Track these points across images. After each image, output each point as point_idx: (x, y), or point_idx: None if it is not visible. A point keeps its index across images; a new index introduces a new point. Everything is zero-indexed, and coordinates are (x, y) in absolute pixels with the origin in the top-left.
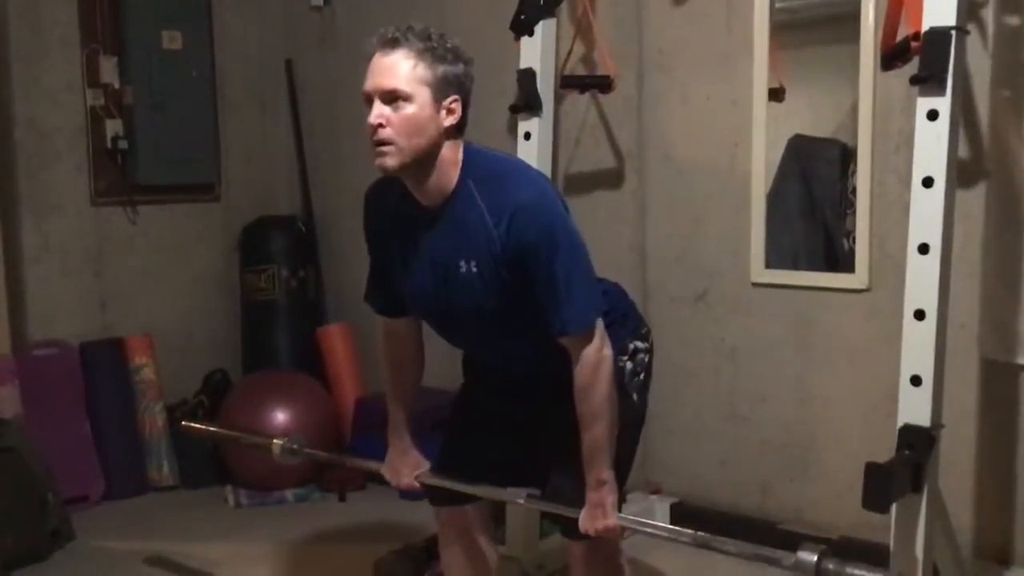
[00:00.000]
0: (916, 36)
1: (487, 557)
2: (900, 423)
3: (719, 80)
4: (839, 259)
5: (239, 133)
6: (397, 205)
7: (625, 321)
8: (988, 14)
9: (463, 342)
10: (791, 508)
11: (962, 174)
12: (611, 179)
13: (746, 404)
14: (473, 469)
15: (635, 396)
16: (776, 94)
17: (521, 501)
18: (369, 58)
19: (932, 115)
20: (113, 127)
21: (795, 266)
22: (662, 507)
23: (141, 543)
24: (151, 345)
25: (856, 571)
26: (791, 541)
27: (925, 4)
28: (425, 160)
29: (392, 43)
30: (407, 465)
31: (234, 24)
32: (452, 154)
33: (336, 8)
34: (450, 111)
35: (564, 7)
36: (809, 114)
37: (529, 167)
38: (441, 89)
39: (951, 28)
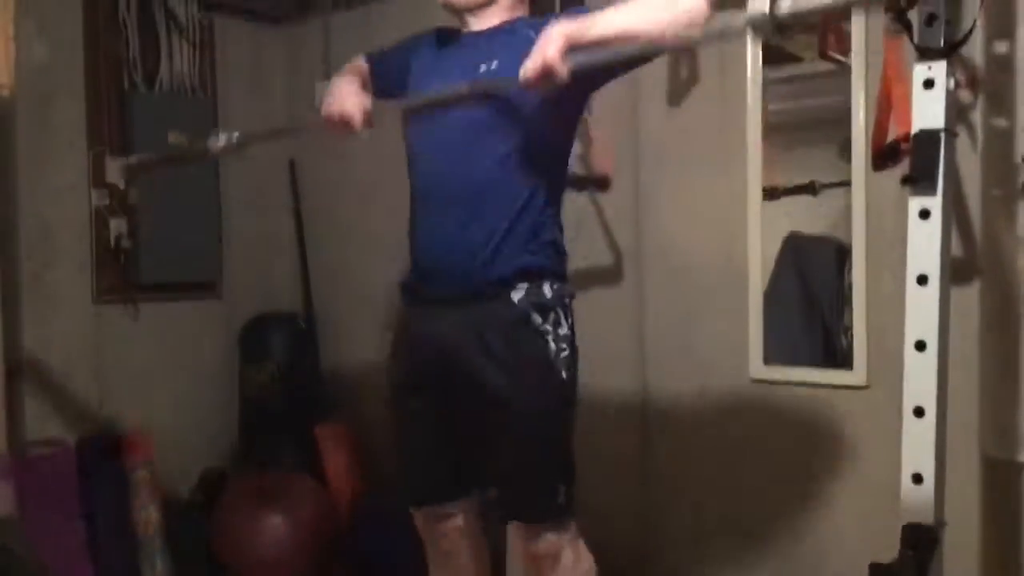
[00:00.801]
0: (906, 138)
1: (480, 563)
2: (902, 522)
3: (714, 178)
4: (838, 355)
5: (242, 231)
6: (444, 36)
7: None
8: (976, 116)
9: (436, 169)
10: None
11: (957, 271)
12: (610, 276)
13: (747, 500)
14: (433, 482)
15: (564, 373)
16: (771, 193)
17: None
18: None
19: (924, 214)
20: (117, 226)
21: (794, 362)
22: None
23: None
24: (148, 444)
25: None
26: None
27: (914, 107)
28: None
29: None
30: (352, 92)
31: (238, 124)
32: (515, 3)
33: None
34: None
35: None
36: (804, 213)
37: None
38: None
39: (939, 130)
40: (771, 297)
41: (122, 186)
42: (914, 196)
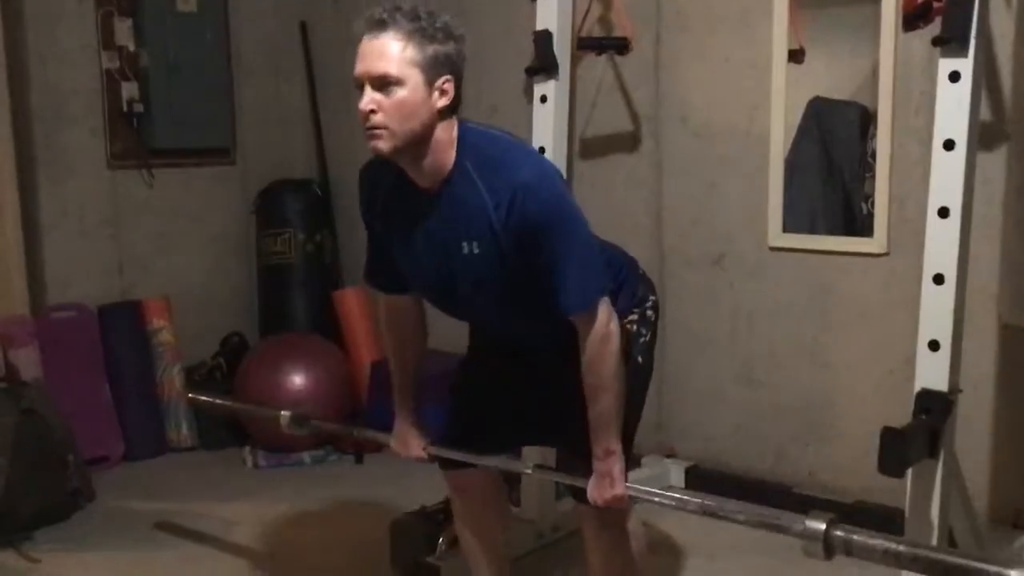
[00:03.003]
0: None
1: (500, 519)
2: (917, 388)
3: (738, 42)
4: (857, 223)
5: (254, 97)
6: (394, 185)
7: (628, 289)
8: None
9: (466, 317)
10: (805, 472)
11: (983, 137)
12: (628, 142)
13: (762, 368)
14: (483, 433)
15: (640, 358)
16: (796, 56)
17: (529, 471)
18: (358, 41)
19: (954, 77)
20: (128, 90)
21: (813, 230)
22: (677, 470)
23: (160, 503)
24: (168, 308)
25: (864, 539)
26: (805, 505)
27: None
28: (419, 143)
29: (380, 25)
30: (414, 436)
31: None
32: (447, 135)
33: None
34: (443, 92)
35: None
36: (829, 76)
37: (525, 145)
38: (432, 70)
39: None
40: (792, 164)
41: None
42: (944, 57)
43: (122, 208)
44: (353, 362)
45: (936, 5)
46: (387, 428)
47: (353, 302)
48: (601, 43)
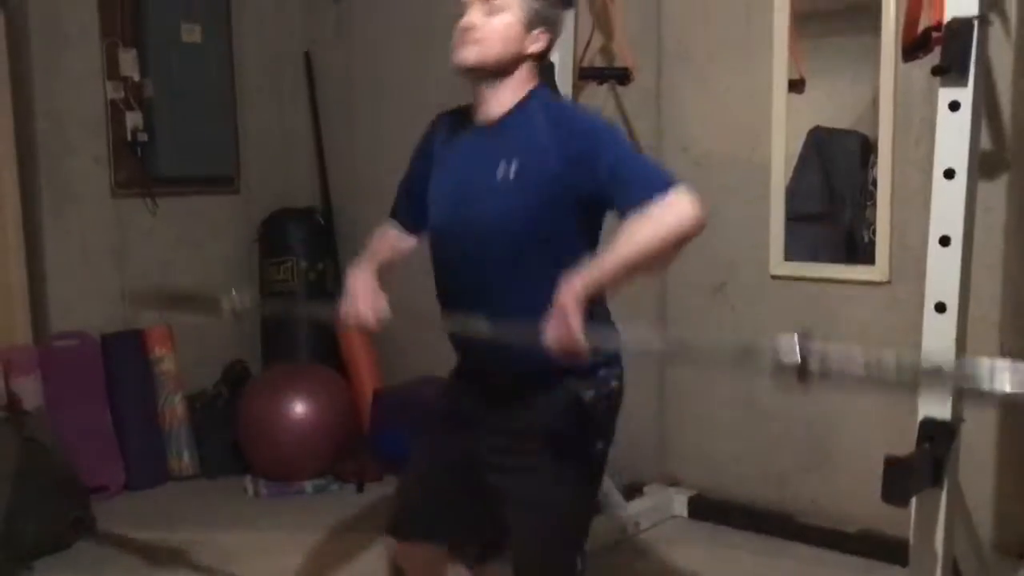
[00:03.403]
0: (938, 26)
1: None
2: (920, 416)
3: (739, 71)
4: (859, 251)
5: (258, 126)
6: (457, 124)
7: (614, 359)
8: (1011, 4)
9: (459, 278)
10: (808, 500)
11: (984, 165)
12: None
13: (764, 396)
14: (432, 516)
15: (600, 444)
16: (796, 85)
17: (484, 329)
18: None
19: (954, 106)
20: (133, 119)
21: (814, 258)
22: (680, 499)
23: (161, 532)
24: (171, 337)
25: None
26: (808, 533)
27: None
28: (501, 72)
29: None
30: (364, 291)
31: (252, 17)
32: (526, 77)
33: (354, 0)
34: (536, 40)
35: None
36: (829, 106)
37: None
38: (533, 20)
39: (973, 18)
40: (793, 193)
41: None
42: (944, 87)
43: (125, 236)
44: (355, 391)
45: (935, 35)
46: (390, 459)
47: (356, 332)
48: (603, 73)
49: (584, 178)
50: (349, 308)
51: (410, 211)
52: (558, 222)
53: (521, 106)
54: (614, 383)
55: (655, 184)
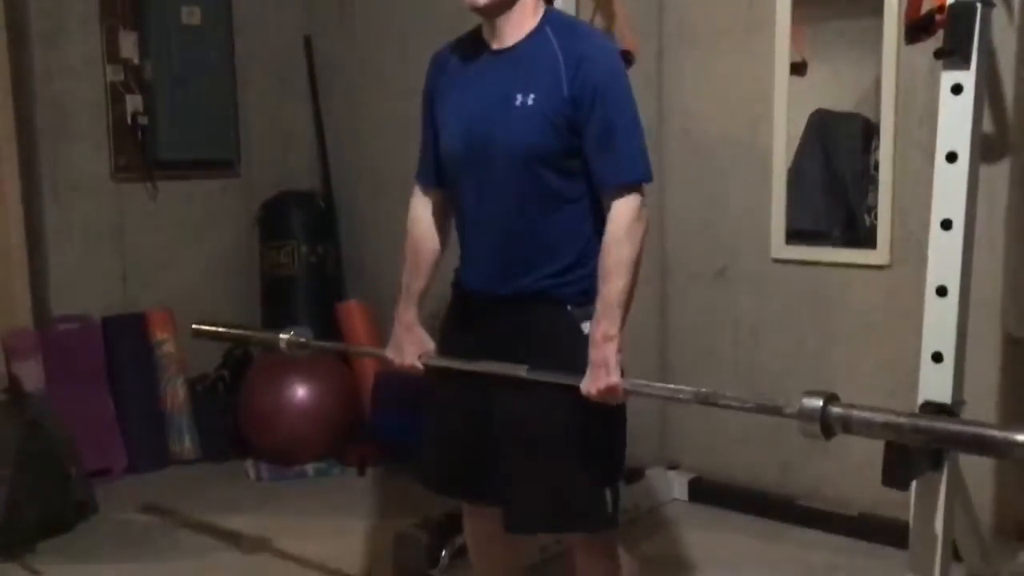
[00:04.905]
0: (941, 9)
1: (511, 546)
2: (920, 400)
3: (740, 55)
4: (860, 235)
5: (258, 109)
6: (463, 53)
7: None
8: None
9: (478, 201)
10: (809, 484)
11: (986, 149)
12: None
13: (765, 379)
14: (454, 471)
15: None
16: (798, 68)
17: (523, 374)
18: None
19: (956, 89)
20: (133, 103)
21: (816, 242)
22: (680, 482)
23: (163, 516)
24: (172, 320)
25: (863, 413)
26: (810, 517)
27: None
28: (512, 1)
29: None
30: (411, 343)
31: (253, 0)
32: (535, 3)
33: None
34: None
35: None
36: (831, 89)
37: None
38: None
39: (976, 1)
40: (794, 176)
41: None
42: (947, 70)
43: (126, 220)
44: (357, 374)
45: (938, 18)
46: (392, 443)
47: (356, 314)
48: None
49: (579, 118)
50: (396, 359)
51: (434, 167)
52: (571, 149)
53: (535, 33)
54: None
55: (631, 171)
